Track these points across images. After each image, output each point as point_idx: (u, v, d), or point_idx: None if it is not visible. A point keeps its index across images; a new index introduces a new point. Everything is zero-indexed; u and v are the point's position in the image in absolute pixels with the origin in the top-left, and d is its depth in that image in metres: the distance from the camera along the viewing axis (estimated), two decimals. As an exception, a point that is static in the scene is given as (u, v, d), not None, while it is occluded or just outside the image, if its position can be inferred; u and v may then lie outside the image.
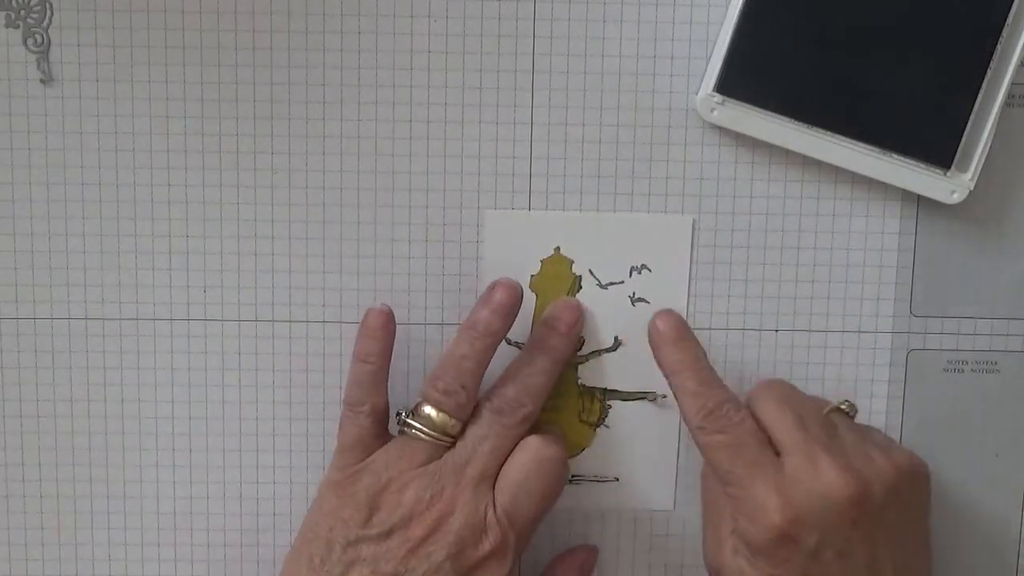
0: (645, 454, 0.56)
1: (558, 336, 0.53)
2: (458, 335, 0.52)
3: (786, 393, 0.52)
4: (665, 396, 0.55)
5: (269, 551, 0.56)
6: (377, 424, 0.52)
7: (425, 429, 0.50)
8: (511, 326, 0.52)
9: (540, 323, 0.53)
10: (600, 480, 0.56)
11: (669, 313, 0.53)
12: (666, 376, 0.52)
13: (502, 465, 0.51)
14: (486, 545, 0.49)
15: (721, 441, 0.50)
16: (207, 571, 0.56)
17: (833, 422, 0.52)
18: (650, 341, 0.53)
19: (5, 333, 0.54)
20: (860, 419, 0.55)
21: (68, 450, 0.55)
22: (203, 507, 0.56)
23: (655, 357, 0.53)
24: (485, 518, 0.50)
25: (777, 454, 0.50)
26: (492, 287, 0.52)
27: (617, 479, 0.56)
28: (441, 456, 0.51)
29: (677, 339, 0.52)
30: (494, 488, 0.50)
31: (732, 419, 0.50)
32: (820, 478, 0.48)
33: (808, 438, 0.49)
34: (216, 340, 0.55)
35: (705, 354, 0.52)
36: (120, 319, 0.54)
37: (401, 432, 0.51)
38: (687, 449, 0.55)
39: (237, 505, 0.56)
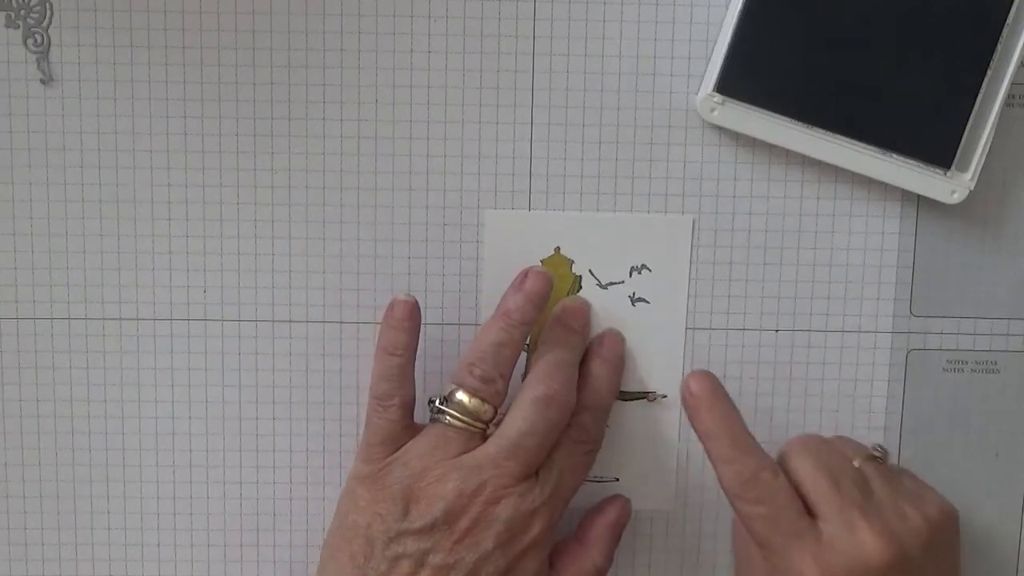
0: (645, 454, 0.56)
1: (575, 334, 0.53)
2: (490, 323, 0.51)
3: (820, 450, 0.50)
4: (665, 396, 0.55)
5: (269, 551, 0.56)
6: (406, 416, 0.51)
7: (459, 416, 0.50)
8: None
9: (555, 323, 0.53)
10: (600, 480, 0.56)
11: (703, 375, 0.51)
12: (701, 440, 0.51)
13: (547, 456, 0.50)
14: (535, 529, 0.49)
15: (760, 512, 0.49)
16: (207, 571, 0.56)
17: (865, 475, 0.50)
18: (683, 403, 0.51)
19: (5, 333, 0.54)
20: (860, 419, 0.55)
21: (68, 450, 0.55)
22: (203, 507, 0.56)
23: (689, 420, 0.51)
24: (532, 505, 0.49)
25: (812, 514, 0.49)
26: (524, 275, 0.52)
27: (617, 479, 0.56)
28: (475, 445, 0.50)
29: (712, 403, 0.50)
30: (539, 472, 0.50)
31: (770, 487, 0.49)
32: (858, 544, 0.47)
33: (844, 501, 0.48)
34: (216, 340, 0.55)
35: (740, 416, 0.50)
36: (120, 319, 0.54)
37: (433, 420, 0.51)
38: (687, 449, 0.55)
39: (237, 505, 0.56)
